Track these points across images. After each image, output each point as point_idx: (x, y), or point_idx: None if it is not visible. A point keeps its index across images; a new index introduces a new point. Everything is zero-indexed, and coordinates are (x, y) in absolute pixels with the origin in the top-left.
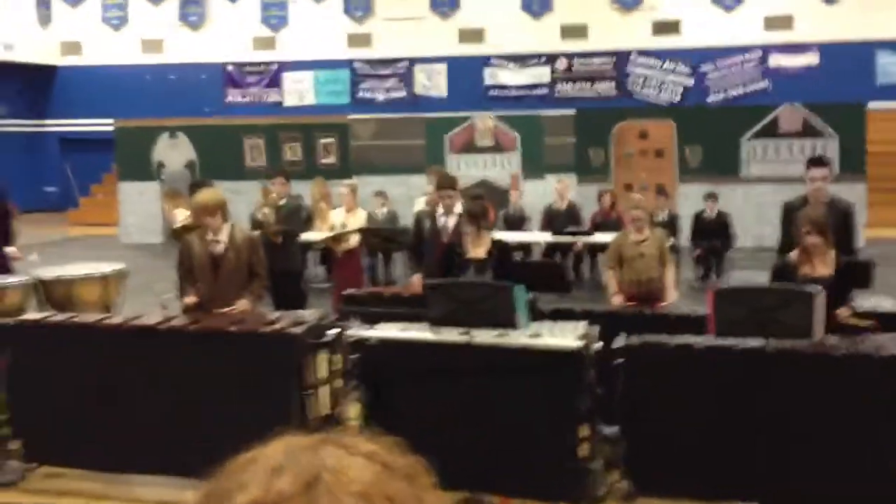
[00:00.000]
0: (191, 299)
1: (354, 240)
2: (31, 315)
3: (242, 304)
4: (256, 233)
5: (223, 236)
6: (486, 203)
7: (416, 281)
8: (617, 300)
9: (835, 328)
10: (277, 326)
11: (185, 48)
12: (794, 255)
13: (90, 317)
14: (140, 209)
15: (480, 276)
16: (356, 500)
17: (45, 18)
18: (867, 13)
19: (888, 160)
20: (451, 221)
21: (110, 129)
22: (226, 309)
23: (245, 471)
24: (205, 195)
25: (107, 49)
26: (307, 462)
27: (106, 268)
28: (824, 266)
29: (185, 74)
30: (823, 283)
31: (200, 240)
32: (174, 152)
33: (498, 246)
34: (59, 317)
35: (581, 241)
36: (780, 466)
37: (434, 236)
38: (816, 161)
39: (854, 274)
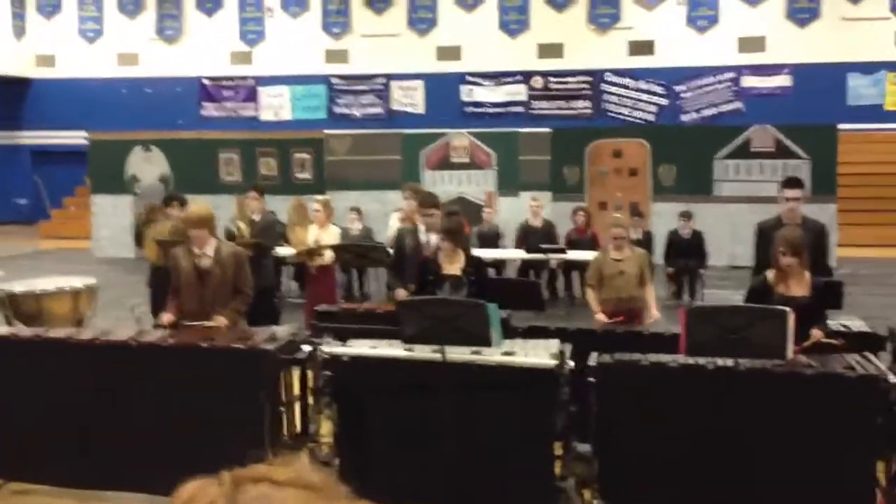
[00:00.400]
0: (168, 317)
1: (328, 256)
2: (0, 329)
3: (219, 320)
4: (242, 249)
5: (209, 251)
6: (462, 219)
7: (402, 295)
8: (600, 318)
9: (809, 348)
10: (250, 342)
11: (161, 62)
12: (770, 274)
13: (61, 332)
14: (113, 222)
15: (456, 293)
16: None
17: (19, 30)
18: (839, 36)
19: (858, 181)
20: (434, 239)
21: (84, 141)
22: (199, 323)
23: None
24: (194, 208)
25: (82, 62)
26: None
27: (77, 282)
28: (800, 287)
29: (160, 88)
30: (799, 304)
31: (187, 254)
32: (148, 166)
33: (473, 262)
34: (29, 332)
35: (555, 258)
36: (751, 485)
37: (416, 253)
38: (791, 182)
39: (828, 294)
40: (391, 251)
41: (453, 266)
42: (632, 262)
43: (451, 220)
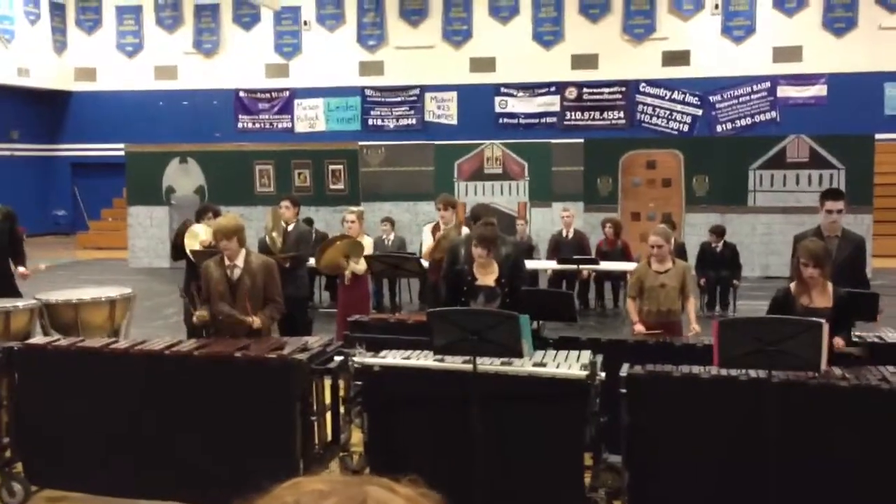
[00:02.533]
0: (202, 313)
1: (361, 266)
2: (38, 339)
3: (255, 320)
4: (272, 259)
5: (239, 261)
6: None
7: None
8: (638, 328)
9: (832, 359)
10: (282, 353)
11: (199, 75)
12: (792, 286)
13: (96, 342)
14: (149, 233)
15: (490, 303)
16: None
17: (60, 45)
18: (875, 45)
19: (894, 191)
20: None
21: (121, 153)
22: (234, 312)
23: (291, 494)
24: (223, 219)
25: (120, 75)
26: (353, 491)
27: (113, 292)
28: (822, 298)
29: (197, 101)
30: (822, 315)
31: (218, 265)
32: (184, 177)
33: (508, 269)
34: (65, 342)
35: (587, 268)
36: (786, 498)
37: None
38: (833, 193)
39: (857, 306)
40: (424, 263)
41: (487, 276)
42: (673, 274)
43: (487, 229)
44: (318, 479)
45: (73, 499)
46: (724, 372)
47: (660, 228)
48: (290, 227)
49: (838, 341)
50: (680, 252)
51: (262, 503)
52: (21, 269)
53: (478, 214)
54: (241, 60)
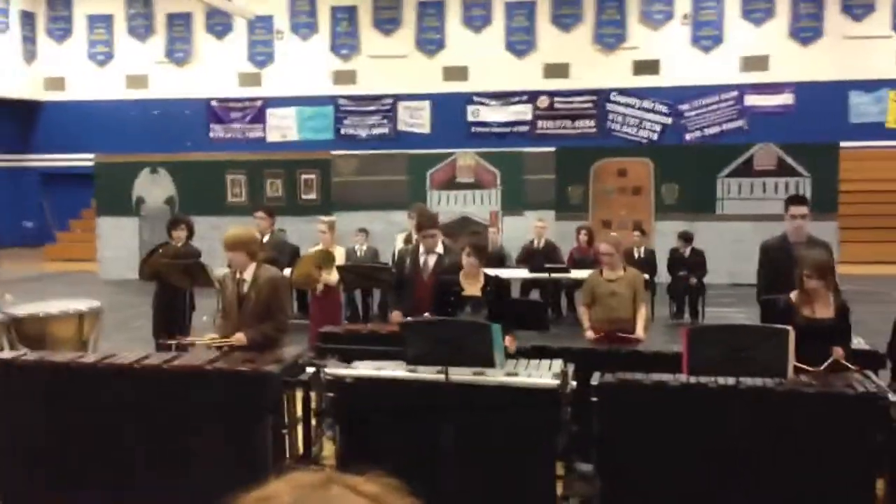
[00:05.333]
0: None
1: (333, 276)
2: (4, 354)
3: (238, 337)
4: (281, 274)
5: (248, 275)
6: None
7: (396, 317)
8: (590, 335)
9: (831, 369)
10: (254, 365)
11: (170, 84)
12: (794, 296)
13: (64, 356)
14: (118, 244)
15: (476, 314)
16: None
17: (30, 54)
18: (841, 54)
19: (859, 199)
20: (431, 260)
21: (91, 164)
22: (212, 339)
23: None
24: (231, 230)
25: (91, 84)
26: (317, 500)
27: (81, 305)
28: (825, 308)
29: (169, 110)
30: (826, 325)
31: (232, 279)
32: (155, 188)
33: (493, 282)
34: (32, 356)
35: (559, 277)
36: (752, 503)
37: (415, 274)
38: (797, 199)
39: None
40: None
41: (474, 287)
42: (625, 282)
43: (479, 238)
44: (285, 486)
45: None
46: (693, 379)
47: (610, 237)
48: (266, 238)
49: (838, 351)
50: (649, 259)
51: None
52: None
53: (426, 223)
54: (214, 69)
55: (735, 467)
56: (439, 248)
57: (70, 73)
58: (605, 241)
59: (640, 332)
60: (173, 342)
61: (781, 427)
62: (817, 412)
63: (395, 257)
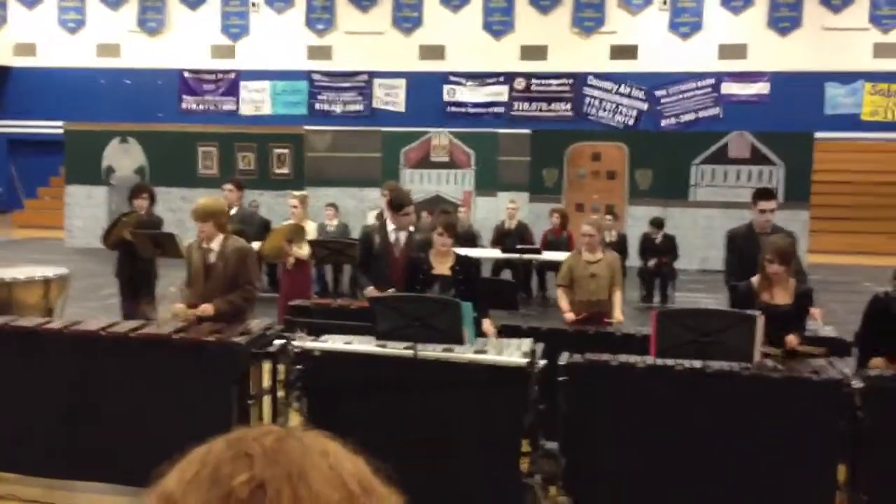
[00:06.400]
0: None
1: (304, 251)
2: None
3: (205, 308)
4: (248, 245)
5: (215, 245)
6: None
7: (373, 292)
8: (569, 317)
9: (788, 354)
10: (221, 336)
11: (142, 53)
12: (755, 281)
13: (29, 321)
14: (87, 213)
15: (445, 293)
16: (349, 476)
17: (0, 19)
18: (818, 45)
19: (831, 189)
20: (403, 237)
21: (60, 131)
22: (182, 309)
23: (232, 457)
24: (201, 201)
25: (62, 52)
26: (291, 447)
27: (48, 271)
28: (783, 294)
29: (140, 80)
30: (782, 311)
31: (198, 248)
32: (125, 157)
33: (463, 261)
34: None
35: (530, 258)
36: (715, 485)
37: (387, 252)
38: (764, 193)
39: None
40: None
41: (444, 265)
42: (604, 265)
43: (451, 217)
44: (252, 434)
45: (8, 479)
46: (660, 361)
47: (592, 219)
48: (234, 211)
49: (791, 339)
50: (621, 243)
51: (192, 473)
52: None
53: (398, 204)
54: (187, 40)
55: (699, 449)
56: (410, 226)
57: (40, 39)
58: (586, 223)
59: (618, 314)
60: (139, 310)
61: (746, 411)
62: (782, 397)
63: (361, 235)
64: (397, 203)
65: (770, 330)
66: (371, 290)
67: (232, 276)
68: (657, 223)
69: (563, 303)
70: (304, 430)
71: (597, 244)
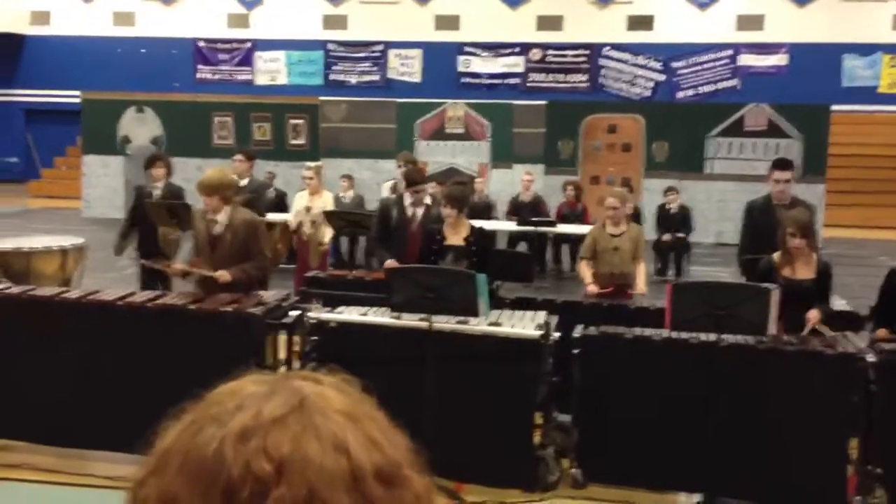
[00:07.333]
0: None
1: (327, 235)
2: None
3: (222, 274)
4: (257, 216)
5: (222, 217)
6: (468, 189)
7: (392, 265)
8: (592, 289)
9: (810, 330)
10: (237, 306)
11: (157, 22)
12: (776, 256)
13: (47, 290)
14: (103, 182)
15: (459, 263)
16: (344, 417)
17: None
18: (837, 17)
19: (847, 162)
20: (420, 211)
21: (77, 101)
22: (198, 269)
23: (231, 399)
24: (207, 173)
25: (77, 20)
26: (290, 387)
27: (65, 241)
28: (806, 269)
29: (155, 49)
30: (805, 286)
31: (202, 219)
32: (140, 127)
33: (477, 233)
34: (16, 289)
35: (545, 230)
36: (728, 458)
37: (403, 224)
38: (781, 163)
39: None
40: None
41: (457, 236)
42: (627, 238)
43: (457, 188)
44: (253, 381)
45: (22, 448)
46: (675, 335)
47: (617, 191)
48: (245, 182)
49: (813, 315)
50: (636, 216)
51: (202, 410)
52: None
53: (416, 178)
54: (202, 9)
55: (712, 423)
56: (427, 200)
57: (56, 7)
58: (610, 195)
59: (641, 286)
60: (158, 266)
61: (760, 384)
62: (796, 370)
63: (379, 207)
64: (410, 180)
65: (793, 306)
66: (391, 262)
67: (241, 248)
68: (672, 189)
69: (587, 275)
70: (324, 397)
71: (621, 217)
